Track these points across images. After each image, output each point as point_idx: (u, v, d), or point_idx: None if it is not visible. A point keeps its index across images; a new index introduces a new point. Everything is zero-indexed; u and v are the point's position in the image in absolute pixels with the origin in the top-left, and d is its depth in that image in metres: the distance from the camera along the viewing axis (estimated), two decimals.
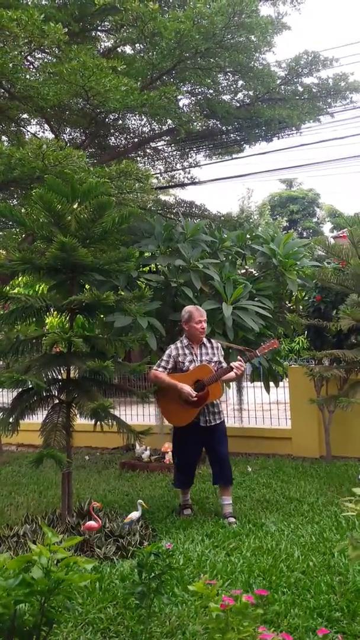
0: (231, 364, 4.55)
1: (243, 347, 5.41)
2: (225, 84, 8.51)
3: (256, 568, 3.42)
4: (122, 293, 5.63)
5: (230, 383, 6.11)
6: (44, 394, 4.36)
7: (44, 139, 6.31)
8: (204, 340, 4.77)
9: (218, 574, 3.35)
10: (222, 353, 4.81)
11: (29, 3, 7.07)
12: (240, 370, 4.55)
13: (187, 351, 4.70)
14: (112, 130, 9.30)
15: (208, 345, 4.76)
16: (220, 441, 4.71)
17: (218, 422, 4.70)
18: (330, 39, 56.03)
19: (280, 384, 7.50)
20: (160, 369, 4.64)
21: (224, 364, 4.70)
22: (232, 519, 4.49)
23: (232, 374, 4.58)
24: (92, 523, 3.98)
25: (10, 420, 4.20)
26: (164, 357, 4.70)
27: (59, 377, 4.41)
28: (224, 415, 4.83)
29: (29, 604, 2.22)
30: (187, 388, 4.48)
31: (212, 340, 4.86)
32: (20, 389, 4.33)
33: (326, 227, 32.99)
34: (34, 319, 4.40)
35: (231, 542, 3.95)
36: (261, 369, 7.14)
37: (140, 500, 4.30)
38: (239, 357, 4.71)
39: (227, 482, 4.71)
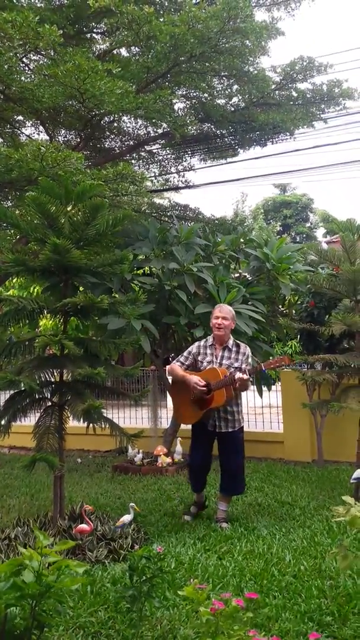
0: (234, 376, 4.28)
1: (258, 363, 5.23)
2: (220, 88, 8.55)
3: (247, 572, 3.42)
4: (116, 295, 5.64)
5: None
6: (37, 397, 4.34)
7: (41, 141, 6.30)
8: (231, 343, 4.53)
9: (209, 577, 3.34)
10: (250, 361, 4.50)
11: (24, 5, 7.08)
12: (240, 382, 4.26)
13: (208, 351, 4.54)
14: (107, 133, 9.31)
15: (233, 349, 4.52)
16: (232, 451, 4.51)
17: (230, 430, 4.47)
18: (324, 46, 56.43)
19: (273, 387, 7.52)
20: (177, 363, 4.57)
21: (248, 375, 4.38)
22: (224, 524, 4.47)
23: (235, 383, 4.29)
24: (83, 526, 3.97)
25: (2, 422, 4.18)
26: (184, 353, 4.65)
27: (52, 379, 4.39)
28: (240, 424, 4.55)
29: (20, 607, 2.21)
30: (195, 378, 4.35)
31: (242, 346, 4.59)
32: (12, 391, 4.31)
33: (319, 232, 33.13)
34: (27, 321, 4.37)
35: (223, 546, 3.95)
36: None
37: (132, 504, 4.28)
38: (243, 368, 4.39)
39: (235, 492, 4.65)
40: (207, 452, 4.65)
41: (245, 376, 4.25)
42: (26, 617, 2.15)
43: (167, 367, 4.61)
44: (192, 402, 4.48)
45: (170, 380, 4.79)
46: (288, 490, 5.51)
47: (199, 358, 4.53)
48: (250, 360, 4.53)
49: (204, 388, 4.33)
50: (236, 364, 4.44)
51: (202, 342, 4.65)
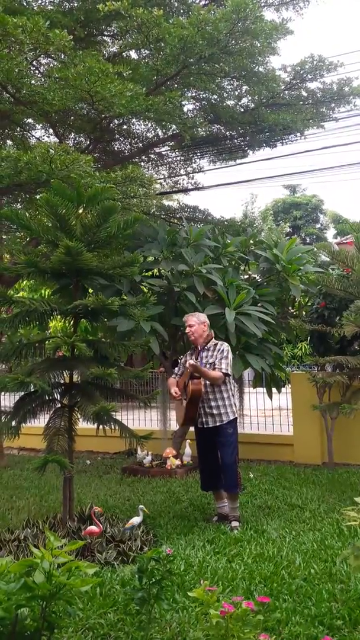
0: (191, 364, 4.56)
1: None
2: (230, 89, 8.54)
3: (257, 575, 3.41)
4: (126, 297, 5.65)
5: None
6: (47, 398, 4.36)
7: (50, 144, 6.33)
8: (210, 344, 4.76)
9: (219, 580, 3.33)
10: (225, 354, 4.64)
11: (35, 8, 7.13)
12: (192, 368, 4.49)
13: (190, 356, 4.84)
14: (116, 136, 9.34)
15: (211, 348, 4.74)
16: (223, 446, 4.61)
17: (218, 424, 4.60)
18: (334, 45, 56.23)
19: (283, 390, 7.49)
20: (172, 376, 4.88)
21: (222, 366, 4.57)
22: (235, 523, 4.47)
23: (197, 374, 4.55)
24: (93, 528, 3.97)
25: (13, 423, 4.20)
26: (180, 365, 4.94)
27: (62, 381, 4.41)
28: (229, 417, 4.62)
29: (30, 608, 2.21)
30: (173, 389, 4.64)
31: (219, 343, 4.79)
32: (22, 393, 4.33)
33: (330, 234, 32.98)
34: (37, 323, 4.40)
35: (232, 549, 3.94)
36: (264, 374, 7.13)
37: (141, 506, 4.29)
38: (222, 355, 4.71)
39: (229, 489, 4.64)
40: (207, 451, 4.78)
41: (191, 361, 4.54)
42: (36, 618, 2.15)
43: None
44: (182, 402, 4.74)
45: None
46: (298, 493, 5.48)
47: (186, 364, 4.71)
48: (225, 354, 4.66)
49: (177, 395, 4.61)
50: (210, 360, 4.68)
51: (189, 351, 4.98)
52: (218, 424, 4.60)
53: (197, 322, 4.82)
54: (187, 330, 4.82)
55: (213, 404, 4.59)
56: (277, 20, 7.71)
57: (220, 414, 4.60)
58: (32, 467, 3.91)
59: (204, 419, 4.64)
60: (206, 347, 4.75)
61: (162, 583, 2.56)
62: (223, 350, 4.70)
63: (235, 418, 4.71)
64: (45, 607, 2.10)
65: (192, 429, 7.17)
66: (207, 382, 4.56)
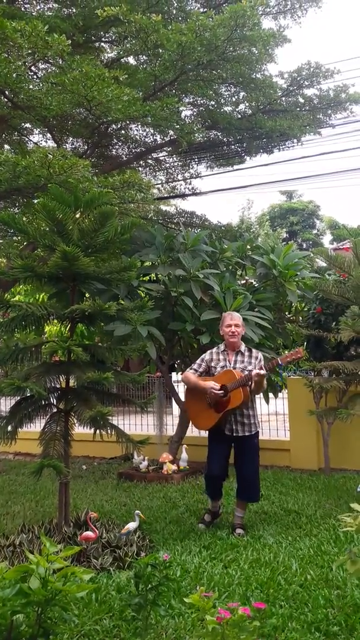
0: (251, 372, 4.37)
1: (273, 359, 5.27)
2: (227, 95, 8.58)
3: (254, 581, 3.40)
4: (123, 302, 5.65)
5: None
6: (43, 403, 4.35)
7: (48, 148, 6.34)
8: (243, 348, 4.61)
9: (215, 586, 3.32)
10: (263, 364, 4.54)
11: (34, 13, 7.15)
12: (259, 377, 4.33)
13: (221, 357, 4.61)
14: (114, 141, 9.36)
15: (246, 354, 4.58)
16: (248, 456, 4.53)
17: (247, 434, 4.49)
18: (330, 52, 56.59)
19: (280, 394, 7.49)
20: (191, 371, 4.66)
21: None
22: (240, 530, 4.46)
23: (250, 382, 4.38)
24: (89, 533, 3.96)
25: (9, 428, 4.18)
26: (198, 360, 4.72)
27: (58, 385, 4.40)
28: (257, 428, 4.58)
29: (26, 614, 2.20)
30: (210, 383, 4.40)
31: (254, 350, 4.67)
32: (18, 397, 4.31)
33: (326, 239, 33.12)
34: (34, 327, 4.39)
35: (228, 554, 3.93)
36: None
37: (137, 511, 4.27)
38: (260, 364, 4.51)
39: (251, 498, 4.63)
40: (225, 459, 4.63)
41: (262, 371, 4.35)
42: (32, 624, 2.14)
43: (182, 375, 4.71)
44: (208, 406, 4.52)
45: (184, 388, 4.84)
46: (294, 498, 5.47)
47: (212, 364, 4.60)
48: (263, 363, 4.57)
49: (220, 392, 4.39)
50: (250, 367, 4.49)
51: (214, 349, 4.73)
52: (247, 433, 4.51)
53: (241, 322, 4.66)
54: (231, 330, 4.53)
55: (245, 412, 4.50)
56: (275, 28, 7.77)
57: (251, 424, 4.54)
58: (28, 472, 3.90)
59: (233, 427, 4.49)
60: (241, 351, 4.59)
61: (159, 589, 2.55)
62: (261, 359, 4.58)
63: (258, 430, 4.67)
64: (41, 613, 2.09)
65: (190, 433, 7.18)
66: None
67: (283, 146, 9.14)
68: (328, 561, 3.67)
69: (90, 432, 4.27)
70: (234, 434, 4.50)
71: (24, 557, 3.66)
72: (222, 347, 4.70)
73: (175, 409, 8.10)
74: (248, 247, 7.64)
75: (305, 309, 7.58)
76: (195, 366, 4.68)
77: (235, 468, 4.64)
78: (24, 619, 2.30)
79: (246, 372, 4.43)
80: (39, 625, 2.09)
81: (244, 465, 4.56)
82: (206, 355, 4.69)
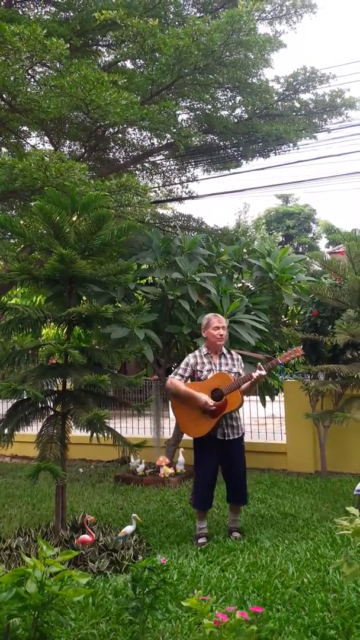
0: (251, 373, 4.32)
1: (264, 355, 5.14)
2: (224, 100, 8.63)
3: (250, 584, 3.39)
4: (120, 305, 5.65)
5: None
6: (40, 405, 4.34)
7: (45, 151, 6.35)
8: (224, 350, 4.54)
9: (212, 589, 3.32)
10: (243, 365, 4.58)
11: (32, 18, 7.17)
12: (261, 379, 4.33)
13: (205, 360, 4.48)
14: (111, 144, 9.38)
15: (228, 355, 4.54)
16: (238, 459, 4.47)
17: (236, 436, 4.45)
18: (326, 57, 56.91)
19: (276, 398, 7.50)
20: (177, 377, 4.42)
21: (242, 376, 4.46)
22: (237, 534, 4.43)
23: (249, 383, 4.35)
24: (85, 537, 3.95)
25: (5, 431, 4.18)
26: (182, 365, 4.49)
27: (55, 388, 4.39)
28: (243, 429, 4.57)
29: (22, 618, 2.19)
30: (205, 397, 4.25)
31: (233, 352, 4.63)
32: (15, 400, 4.31)
33: (322, 243, 33.22)
34: (31, 330, 4.38)
35: (225, 558, 3.92)
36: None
37: (134, 514, 4.26)
38: (259, 364, 4.39)
39: (243, 502, 4.58)
40: (217, 464, 4.51)
41: (263, 372, 4.31)
42: (28, 628, 2.13)
43: (168, 382, 4.47)
44: (202, 413, 4.35)
45: (170, 395, 4.62)
46: (291, 501, 5.47)
47: (198, 368, 4.47)
48: (242, 364, 4.61)
49: (214, 408, 4.28)
50: (235, 369, 4.47)
51: (196, 353, 4.57)
52: (236, 436, 4.46)
53: (226, 326, 4.60)
54: (220, 333, 4.46)
55: (234, 415, 4.46)
56: (271, 33, 7.82)
57: (239, 425, 4.51)
58: (25, 475, 3.88)
59: (225, 431, 4.40)
60: (223, 353, 4.54)
61: (156, 593, 2.55)
62: (240, 360, 4.57)
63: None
64: (38, 617, 2.09)
65: (187, 436, 7.17)
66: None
67: (279, 150, 9.19)
68: (325, 564, 3.67)
69: (87, 435, 4.25)
70: (226, 438, 4.42)
71: (20, 560, 3.65)
72: (204, 350, 4.56)
73: (172, 412, 8.09)
74: (244, 250, 7.66)
75: (301, 312, 7.60)
76: (180, 371, 4.46)
77: (224, 472, 4.53)
78: (21, 623, 2.30)
79: (233, 374, 4.41)
80: (35, 629, 2.09)
81: (235, 468, 4.48)
82: (190, 360, 4.50)
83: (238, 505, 4.58)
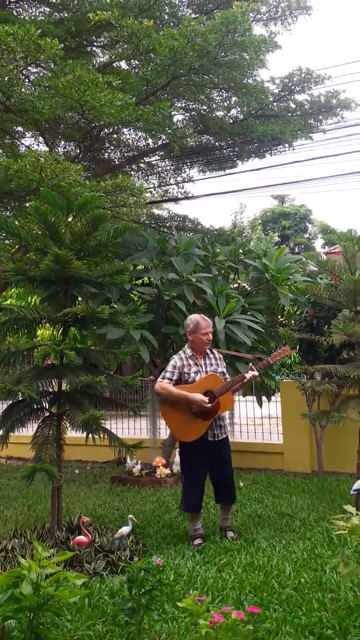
0: (244, 374, 4.36)
1: (253, 355, 5.10)
2: (219, 100, 8.63)
3: (247, 584, 3.39)
4: (115, 306, 5.64)
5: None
6: (35, 407, 4.33)
7: (40, 152, 6.34)
8: (207, 350, 4.53)
9: (209, 590, 3.31)
10: (224, 364, 4.63)
11: (26, 18, 7.16)
12: (252, 378, 4.37)
13: (191, 362, 4.44)
14: (106, 145, 9.37)
15: (211, 355, 4.54)
16: (226, 458, 4.51)
17: (224, 436, 4.50)
18: (321, 59, 57.08)
19: (272, 398, 7.50)
20: (165, 381, 4.35)
21: (227, 375, 4.53)
22: (232, 533, 4.43)
23: (239, 385, 4.39)
24: (81, 538, 3.93)
25: (1, 432, 4.16)
26: (169, 368, 4.42)
27: (50, 389, 4.38)
28: (228, 429, 4.65)
29: (17, 620, 2.18)
30: (199, 396, 4.23)
31: (215, 351, 4.62)
32: (10, 402, 4.29)
33: (318, 243, 33.30)
34: (26, 331, 4.37)
35: (222, 558, 3.92)
36: (253, 383, 7.14)
37: (130, 515, 4.25)
38: (251, 365, 4.42)
39: (231, 500, 4.58)
40: (203, 468, 4.47)
41: (255, 373, 4.36)
42: (24, 629, 2.12)
43: (155, 386, 4.41)
44: (194, 416, 4.31)
45: (159, 398, 4.58)
46: (288, 501, 5.47)
47: (185, 370, 4.42)
48: (224, 362, 4.65)
49: (210, 406, 4.27)
50: (219, 369, 4.51)
51: (181, 355, 4.50)
52: (224, 436, 4.50)
53: (211, 328, 4.62)
54: (209, 336, 4.45)
55: (222, 415, 4.50)
56: (266, 34, 7.83)
57: (226, 425, 4.59)
58: (20, 476, 3.86)
59: (215, 432, 4.41)
60: (207, 354, 4.54)
61: (152, 593, 2.54)
62: (222, 359, 4.61)
63: None
64: (33, 618, 2.08)
65: None
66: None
67: (275, 151, 9.20)
68: (321, 564, 3.67)
69: (82, 436, 4.24)
70: (216, 439, 4.42)
71: (16, 562, 3.63)
72: (188, 351, 4.49)
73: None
74: (240, 251, 7.66)
75: (298, 313, 7.60)
76: (168, 375, 4.38)
77: (213, 473, 4.50)
78: (16, 625, 2.28)
79: (224, 376, 4.47)
80: (31, 631, 2.08)
81: (223, 466, 4.49)
82: (177, 362, 4.43)
83: (229, 504, 4.59)
